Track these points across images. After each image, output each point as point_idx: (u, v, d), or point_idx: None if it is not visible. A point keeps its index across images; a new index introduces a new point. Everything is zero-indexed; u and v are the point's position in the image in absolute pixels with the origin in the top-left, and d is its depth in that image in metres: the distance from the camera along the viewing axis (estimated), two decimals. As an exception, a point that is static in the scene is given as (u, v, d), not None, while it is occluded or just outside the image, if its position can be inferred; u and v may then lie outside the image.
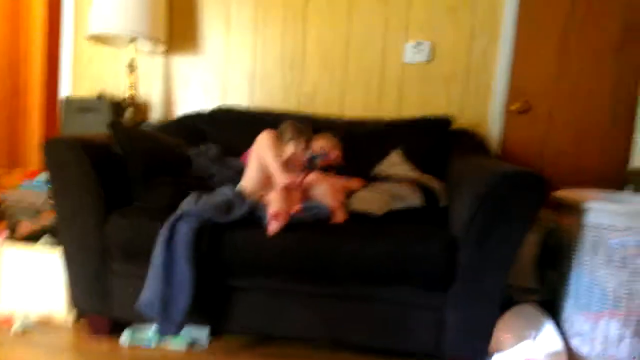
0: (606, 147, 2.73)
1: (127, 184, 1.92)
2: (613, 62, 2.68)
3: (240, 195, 1.89)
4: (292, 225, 1.70)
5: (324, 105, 2.88)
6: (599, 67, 2.69)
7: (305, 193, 1.96)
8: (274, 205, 1.72)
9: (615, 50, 2.67)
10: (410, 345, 1.73)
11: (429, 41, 2.75)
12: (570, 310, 1.86)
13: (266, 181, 2.00)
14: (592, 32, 2.68)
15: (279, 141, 2.26)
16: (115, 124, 1.93)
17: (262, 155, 1.94)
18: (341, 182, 2.11)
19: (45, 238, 2.18)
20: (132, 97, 2.73)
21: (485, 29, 2.72)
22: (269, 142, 1.94)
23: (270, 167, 1.91)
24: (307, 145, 2.26)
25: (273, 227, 1.67)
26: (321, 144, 2.30)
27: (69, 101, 2.77)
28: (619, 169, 2.73)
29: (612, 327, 1.74)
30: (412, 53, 2.76)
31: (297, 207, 1.79)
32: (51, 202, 1.92)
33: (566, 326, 1.87)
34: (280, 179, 1.84)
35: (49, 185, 1.86)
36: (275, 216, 1.66)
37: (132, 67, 2.72)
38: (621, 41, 2.66)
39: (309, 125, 2.38)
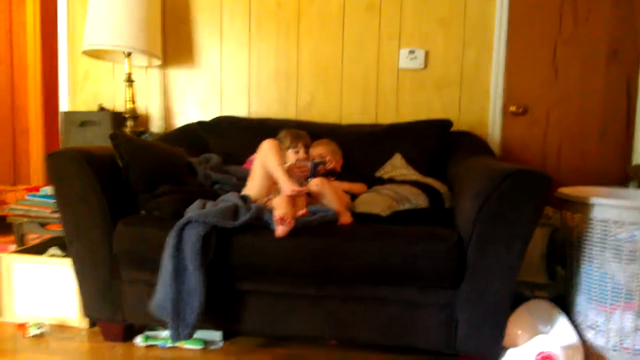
0: (606, 145, 2.75)
1: (131, 193, 1.91)
2: (604, 65, 2.72)
3: (246, 201, 1.88)
4: (299, 229, 1.70)
5: (321, 115, 2.88)
6: (591, 71, 2.74)
7: (310, 197, 1.96)
8: (280, 209, 1.71)
9: (610, 52, 2.70)
10: (421, 343, 1.72)
11: (423, 49, 2.77)
12: (583, 303, 1.85)
13: (271, 187, 1.99)
14: (583, 39, 2.72)
15: (281, 149, 2.27)
16: (117, 135, 1.92)
17: (266, 163, 1.94)
18: (344, 185, 2.11)
19: (53, 249, 2.18)
20: (132, 110, 2.73)
21: (476, 39, 2.76)
22: (272, 150, 1.93)
23: (274, 174, 1.91)
24: (307, 151, 2.27)
25: (280, 231, 1.66)
26: (321, 150, 2.30)
27: (68, 115, 2.77)
28: (621, 165, 2.74)
29: (626, 319, 1.74)
30: (406, 60, 2.78)
31: (302, 211, 1.78)
32: (57, 214, 1.92)
33: (579, 319, 1.87)
34: (286, 187, 1.83)
35: (53, 198, 1.86)
36: (282, 220, 1.65)
37: (130, 81, 2.72)
38: (615, 43, 2.69)
39: (307, 132, 2.39)
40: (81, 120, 2.73)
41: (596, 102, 2.74)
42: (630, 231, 1.72)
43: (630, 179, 2.62)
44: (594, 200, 1.78)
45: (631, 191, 2.14)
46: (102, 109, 2.91)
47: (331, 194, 1.92)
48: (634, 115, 2.72)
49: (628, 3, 2.67)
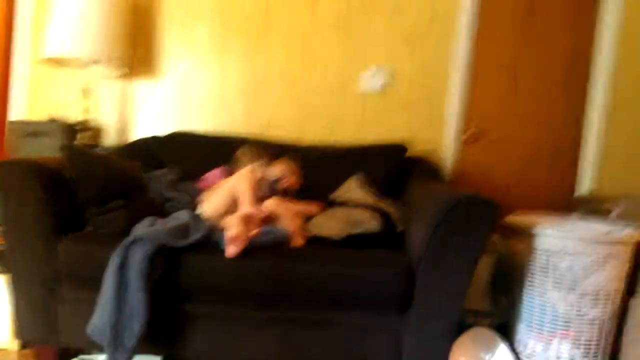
0: (554, 174, 2.86)
1: (78, 208, 1.85)
2: (560, 93, 2.83)
3: (197, 219, 1.86)
4: (250, 249, 1.69)
5: (284, 130, 2.89)
6: (548, 97, 2.83)
7: (263, 218, 1.95)
8: (232, 228, 1.70)
9: (563, 83, 2.82)
10: (370, 368, 1.72)
11: (387, 70, 2.82)
12: (523, 332, 1.90)
13: (230, 210, 1.97)
14: (542, 64, 2.83)
15: (238, 167, 2.27)
16: (67, 147, 1.88)
17: (238, 188, 1.93)
18: (299, 207, 2.11)
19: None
20: (85, 121, 2.67)
21: (440, 58, 2.82)
22: (249, 178, 1.94)
23: (242, 196, 1.90)
24: (265, 170, 2.27)
25: (231, 250, 1.65)
26: (279, 169, 2.30)
27: (16, 125, 2.67)
28: (567, 194, 2.85)
29: (563, 348, 1.79)
30: (370, 81, 2.83)
31: (255, 231, 1.77)
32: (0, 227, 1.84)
33: (520, 348, 1.91)
34: (246, 207, 1.83)
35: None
36: (233, 239, 1.64)
37: (86, 91, 2.66)
38: (568, 74, 2.82)
39: (267, 151, 2.39)
40: (30, 131, 2.64)
41: (549, 132, 2.84)
42: (570, 261, 1.78)
43: (576, 208, 2.72)
44: (537, 229, 1.84)
45: (575, 221, 2.22)
46: (52, 119, 2.82)
47: (286, 215, 1.92)
48: (580, 147, 2.84)
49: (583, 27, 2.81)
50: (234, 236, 1.64)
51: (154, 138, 2.61)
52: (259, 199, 2.00)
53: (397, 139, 2.78)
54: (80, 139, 2.65)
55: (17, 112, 2.97)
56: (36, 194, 1.72)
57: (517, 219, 2.06)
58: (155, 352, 1.78)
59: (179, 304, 1.71)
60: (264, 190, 2.11)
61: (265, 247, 1.75)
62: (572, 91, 2.83)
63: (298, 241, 1.86)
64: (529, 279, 1.88)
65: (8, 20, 3.06)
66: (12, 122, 2.69)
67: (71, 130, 2.69)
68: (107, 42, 2.55)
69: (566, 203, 2.82)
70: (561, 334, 1.79)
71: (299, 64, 2.88)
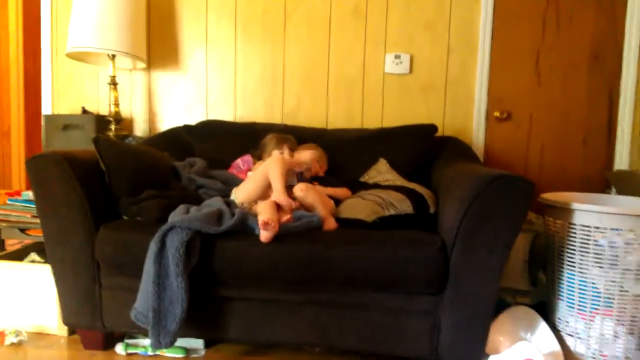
0: (588, 151, 2.79)
1: (114, 198, 1.89)
2: (587, 71, 2.77)
3: (230, 206, 1.87)
4: (283, 235, 1.69)
5: (306, 119, 2.89)
6: (574, 77, 2.78)
7: (295, 202, 1.96)
8: (264, 214, 1.71)
9: (589, 60, 2.75)
10: (405, 350, 1.72)
11: (408, 54, 2.79)
12: (563, 310, 1.87)
13: (263, 196, 1.98)
14: (565, 45, 2.76)
15: (266, 152, 2.28)
16: (99, 139, 1.90)
17: (270, 171, 1.93)
18: (328, 190, 2.11)
19: (33, 255, 2.15)
20: (116, 113, 2.71)
21: (461, 44, 2.79)
22: (280, 163, 1.94)
23: (273, 182, 1.91)
24: (292, 154, 2.27)
25: (264, 235, 1.65)
26: (306, 154, 2.30)
27: (50, 119, 2.74)
28: (601, 171, 2.78)
29: (606, 326, 1.76)
30: (392, 64, 2.81)
31: (287, 217, 1.78)
32: (37, 219, 1.89)
33: (561, 326, 1.88)
34: (279, 196, 1.83)
35: (33, 203, 1.83)
36: (266, 224, 1.64)
37: (113, 84, 2.70)
38: (594, 52, 2.74)
39: (293, 136, 2.39)
40: (64, 124, 2.71)
41: (579, 108, 2.78)
42: (611, 237, 1.74)
43: (611, 185, 2.66)
44: (575, 205, 1.80)
45: (612, 197, 2.17)
46: (84, 111, 2.88)
47: (316, 200, 1.92)
48: (616, 121, 2.76)
49: (610, 9, 2.72)
50: (265, 221, 1.65)
51: (185, 127, 2.63)
52: (289, 186, 2.00)
53: (421, 122, 2.75)
54: (112, 130, 2.69)
55: (49, 106, 3.03)
56: (73, 186, 1.75)
57: (554, 195, 2.02)
58: (197, 335, 1.82)
59: (216, 289, 1.74)
60: (294, 175, 2.11)
61: (298, 233, 1.75)
62: (604, 64, 2.75)
63: (331, 224, 1.86)
64: (568, 256, 1.84)
65: (36, 16, 3.12)
66: (46, 117, 2.75)
67: (103, 122, 2.74)
68: (128, 35, 2.58)
69: (602, 180, 2.76)
70: (604, 311, 1.75)
71: (319, 52, 2.87)
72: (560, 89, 2.79)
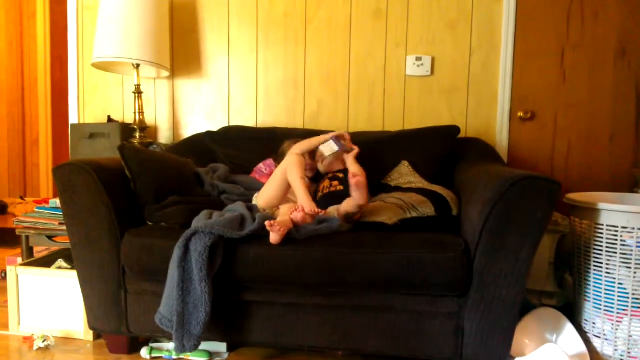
0: (615, 150, 2.73)
1: (139, 204, 1.92)
2: (613, 67, 2.71)
3: (252, 210, 1.89)
4: (306, 239, 1.70)
5: (328, 122, 2.90)
6: (600, 74, 2.72)
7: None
8: (283, 217, 1.72)
9: (615, 56, 2.69)
10: (429, 353, 1.71)
11: (429, 56, 2.78)
12: (590, 311, 1.84)
13: (284, 198, 1.99)
14: (591, 41, 2.71)
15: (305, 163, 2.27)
16: (125, 147, 1.94)
17: (288, 175, 1.94)
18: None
19: (60, 262, 2.20)
20: (140, 121, 2.76)
21: (483, 44, 2.76)
22: (296, 163, 1.94)
23: (295, 188, 1.91)
24: (312, 157, 2.27)
25: (271, 237, 1.66)
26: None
27: (77, 127, 2.80)
28: (629, 170, 2.72)
29: (634, 327, 1.72)
30: (413, 66, 2.80)
31: (308, 219, 1.78)
32: (64, 226, 1.93)
33: (587, 328, 1.85)
34: (306, 205, 1.81)
35: (61, 210, 1.87)
36: (270, 227, 1.65)
37: (138, 92, 2.75)
38: (621, 46, 2.68)
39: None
40: (90, 132, 2.77)
41: (605, 106, 2.73)
42: (638, 237, 1.70)
43: (639, 184, 2.60)
44: (602, 205, 1.77)
45: (638, 197, 2.12)
46: (110, 120, 2.94)
47: (365, 189, 1.84)
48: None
49: (636, 2, 2.66)
50: (270, 223, 1.64)
51: (208, 133, 2.67)
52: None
53: (443, 124, 2.72)
54: (137, 138, 2.74)
55: (75, 115, 3.11)
56: (99, 193, 1.79)
57: (580, 195, 1.98)
58: (220, 339, 1.83)
59: (239, 293, 1.75)
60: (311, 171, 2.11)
61: (321, 236, 1.75)
62: (631, 59, 2.69)
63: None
64: (595, 257, 1.81)
65: (62, 27, 3.20)
66: (73, 125, 2.82)
67: (128, 130, 2.79)
68: (152, 44, 2.64)
69: (629, 179, 2.70)
70: (632, 312, 1.71)
71: (340, 55, 2.88)
72: (586, 86, 2.74)
